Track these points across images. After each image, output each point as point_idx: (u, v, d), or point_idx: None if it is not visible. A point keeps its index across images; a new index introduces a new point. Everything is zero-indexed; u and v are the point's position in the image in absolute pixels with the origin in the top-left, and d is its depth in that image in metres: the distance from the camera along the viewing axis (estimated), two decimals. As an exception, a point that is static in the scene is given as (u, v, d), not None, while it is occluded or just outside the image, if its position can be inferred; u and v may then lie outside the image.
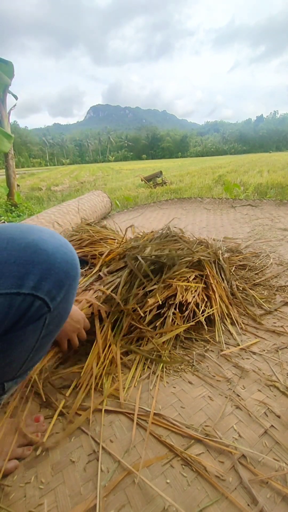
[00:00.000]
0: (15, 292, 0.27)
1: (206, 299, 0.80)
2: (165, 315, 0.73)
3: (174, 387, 0.58)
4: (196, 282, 0.84)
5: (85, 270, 0.95)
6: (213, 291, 0.84)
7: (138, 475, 0.41)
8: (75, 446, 0.47)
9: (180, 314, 0.75)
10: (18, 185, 3.57)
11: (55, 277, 0.29)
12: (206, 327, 0.75)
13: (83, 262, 1.02)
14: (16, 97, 2.97)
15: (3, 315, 0.27)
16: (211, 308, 0.79)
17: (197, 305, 0.78)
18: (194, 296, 0.78)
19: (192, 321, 0.74)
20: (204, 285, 0.85)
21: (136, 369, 0.62)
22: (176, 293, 0.77)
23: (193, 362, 0.65)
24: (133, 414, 0.51)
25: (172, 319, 0.73)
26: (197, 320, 0.75)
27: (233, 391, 0.56)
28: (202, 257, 0.90)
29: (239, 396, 0.55)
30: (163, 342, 0.69)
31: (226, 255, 1.12)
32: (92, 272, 0.90)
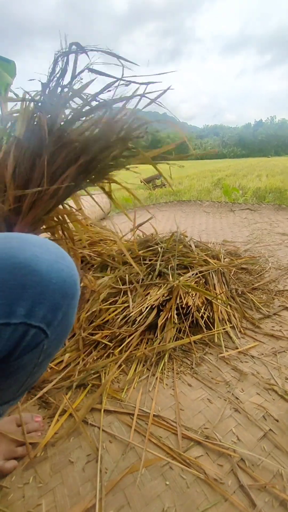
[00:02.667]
0: (4, 322, 0.24)
1: (206, 302, 0.81)
2: (165, 317, 0.74)
3: (173, 389, 0.58)
4: (197, 286, 0.84)
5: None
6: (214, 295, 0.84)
7: (139, 475, 0.42)
8: (74, 446, 0.47)
9: (175, 315, 0.75)
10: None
11: (51, 300, 0.26)
12: (205, 330, 0.75)
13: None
14: (18, 96, 2.97)
15: None
16: (211, 311, 0.79)
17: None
18: (194, 300, 0.78)
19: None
20: (204, 289, 0.85)
21: (134, 370, 0.62)
22: (176, 296, 0.77)
23: (192, 364, 0.65)
24: (132, 415, 0.51)
25: (174, 324, 0.73)
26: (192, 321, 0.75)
27: (232, 393, 0.56)
28: (207, 269, 0.90)
29: (237, 399, 0.55)
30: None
31: (226, 259, 1.13)
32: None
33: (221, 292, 0.87)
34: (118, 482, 0.41)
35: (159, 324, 0.72)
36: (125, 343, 0.69)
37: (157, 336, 0.71)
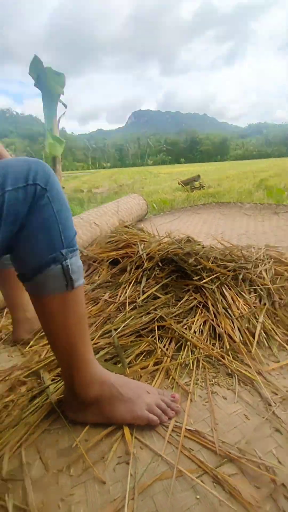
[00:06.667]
0: (25, 184, 0.40)
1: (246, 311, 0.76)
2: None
3: (207, 402, 0.55)
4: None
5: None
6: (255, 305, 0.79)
7: (172, 483, 0.41)
8: (106, 446, 0.47)
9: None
10: (63, 187, 3.81)
11: (41, 173, 0.42)
12: (240, 341, 0.71)
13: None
14: (65, 106, 3.19)
15: (23, 199, 0.40)
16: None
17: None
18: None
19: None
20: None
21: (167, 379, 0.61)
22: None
23: (229, 375, 0.62)
24: (165, 426, 0.50)
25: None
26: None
27: (273, 412, 0.52)
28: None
29: (279, 418, 0.51)
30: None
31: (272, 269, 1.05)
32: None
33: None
34: (147, 488, 0.40)
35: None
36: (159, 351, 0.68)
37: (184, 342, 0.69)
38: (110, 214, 1.85)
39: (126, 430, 0.49)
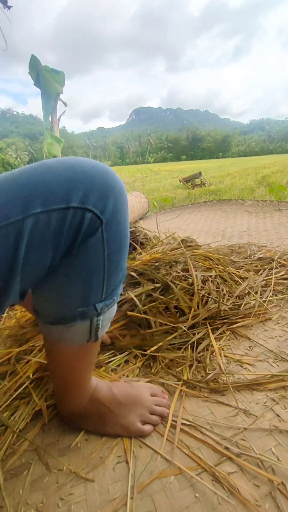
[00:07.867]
0: (65, 207, 0.28)
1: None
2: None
3: (207, 398, 0.55)
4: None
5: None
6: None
7: (171, 482, 0.41)
8: (105, 446, 0.47)
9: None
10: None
11: (97, 190, 0.30)
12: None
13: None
14: (65, 104, 3.18)
15: (59, 231, 0.28)
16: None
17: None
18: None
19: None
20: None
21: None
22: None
23: (227, 371, 0.61)
24: (164, 423, 0.50)
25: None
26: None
27: (271, 408, 0.52)
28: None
29: (279, 416, 0.50)
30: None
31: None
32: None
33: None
34: (146, 487, 0.40)
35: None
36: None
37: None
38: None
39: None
